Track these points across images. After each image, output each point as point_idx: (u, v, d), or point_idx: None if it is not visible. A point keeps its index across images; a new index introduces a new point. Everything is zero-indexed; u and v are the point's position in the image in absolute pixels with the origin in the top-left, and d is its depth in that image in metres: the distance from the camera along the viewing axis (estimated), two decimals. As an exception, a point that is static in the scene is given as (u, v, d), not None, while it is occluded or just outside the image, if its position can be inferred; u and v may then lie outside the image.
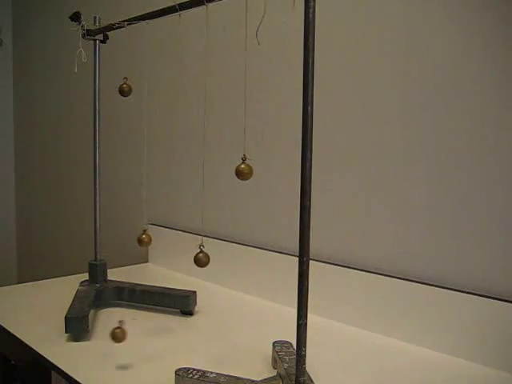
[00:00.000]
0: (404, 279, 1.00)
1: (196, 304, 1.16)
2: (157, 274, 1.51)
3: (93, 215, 1.23)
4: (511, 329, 0.86)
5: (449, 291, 0.93)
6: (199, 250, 0.86)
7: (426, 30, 0.97)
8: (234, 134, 1.36)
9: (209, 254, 0.86)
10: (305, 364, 0.70)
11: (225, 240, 1.37)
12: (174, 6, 0.89)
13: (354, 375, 0.86)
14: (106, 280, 1.22)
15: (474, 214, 0.92)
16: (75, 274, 1.41)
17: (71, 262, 2.08)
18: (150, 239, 1.05)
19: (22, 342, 0.97)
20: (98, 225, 1.23)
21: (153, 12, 0.97)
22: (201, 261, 0.86)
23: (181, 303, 1.14)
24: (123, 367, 0.87)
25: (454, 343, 0.93)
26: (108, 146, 1.78)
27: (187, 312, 1.14)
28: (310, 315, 0.70)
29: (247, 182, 0.78)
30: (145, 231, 1.05)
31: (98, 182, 1.22)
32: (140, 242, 1.04)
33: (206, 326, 1.08)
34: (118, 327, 0.86)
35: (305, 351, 0.69)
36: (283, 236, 1.25)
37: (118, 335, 0.86)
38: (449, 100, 0.95)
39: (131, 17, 1.01)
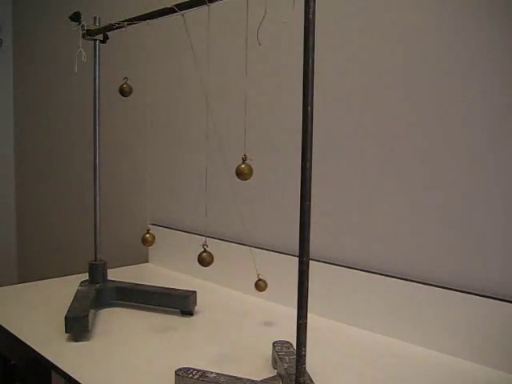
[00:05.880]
0: (405, 279, 1.00)
1: (196, 304, 1.16)
2: (157, 274, 1.51)
3: (93, 215, 1.23)
4: None
5: (450, 291, 0.93)
6: (203, 250, 0.86)
7: (426, 28, 0.97)
8: (234, 134, 1.36)
9: (208, 253, 0.86)
10: (305, 364, 0.70)
11: (225, 240, 1.37)
12: (175, 5, 0.89)
13: (354, 375, 0.86)
14: (106, 280, 1.22)
15: (474, 213, 0.92)
16: (75, 274, 1.41)
17: (71, 262, 2.09)
18: (154, 238, 1.05)
19: (22, 341, 0.97)
20: (98, 225, 1.23)
21: (153, 12, 0.97)
22: (204, 260, 0.86)
23: (181, 303, 1.14)
24: (123, 367, 0.87)
25: (456, 344, 0.93)
26: (108, 146, 1.78)
27: (187, 312, 1.14)
28: (310, 315, 0.70)
29: (247, 181, 0.79)
30: (148, 231, 1.05)
31: (97, 182, 1.22)
32: (144, 241, 1.04)
33: (206, 326, 1.08)
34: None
35: (305, 351, 0.69)
36: (283, 236, 1.25)
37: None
38: (450, 100, 0.95)
39: (131, 17, 1.01)
